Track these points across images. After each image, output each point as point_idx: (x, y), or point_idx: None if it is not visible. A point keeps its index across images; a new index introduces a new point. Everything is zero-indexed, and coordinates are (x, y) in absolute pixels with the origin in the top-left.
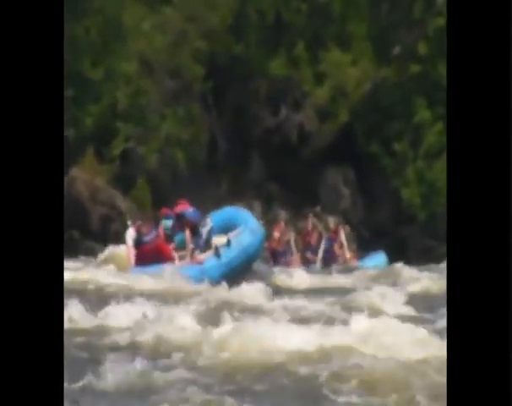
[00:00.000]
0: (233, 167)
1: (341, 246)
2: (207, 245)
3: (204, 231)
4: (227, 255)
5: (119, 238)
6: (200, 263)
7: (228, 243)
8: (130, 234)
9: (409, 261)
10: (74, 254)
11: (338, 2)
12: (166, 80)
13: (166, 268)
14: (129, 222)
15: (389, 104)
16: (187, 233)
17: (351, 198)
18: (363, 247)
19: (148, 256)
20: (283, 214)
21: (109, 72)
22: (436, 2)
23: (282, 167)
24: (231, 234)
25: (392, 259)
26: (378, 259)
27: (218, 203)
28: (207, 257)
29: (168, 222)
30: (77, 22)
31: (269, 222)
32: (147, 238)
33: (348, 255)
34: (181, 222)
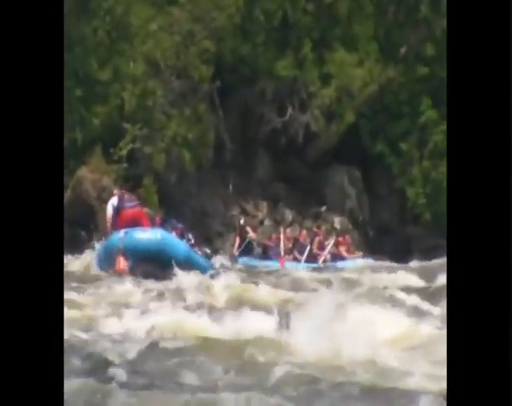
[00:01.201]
0: (240, 167)
1: (320, 247)
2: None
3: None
4: None
5: None
6: None
7: None
8: (112, 201)
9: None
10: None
11: (344, 2)
12: (173, 81)
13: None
14: (115, 191)
15: (394, 104)
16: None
17: (357, 198)
18: (369, 246)
19: (127, 220)
20: (288, 213)
21: (116, 73)
22: (442, 2)
23: (288, 167)
24: None
25: (397, 258)
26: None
27: (226, 202)
28: None
29: None
30: (85, 22)
31: (276, 223)
32: (128, 204)
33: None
34: (166, 227)
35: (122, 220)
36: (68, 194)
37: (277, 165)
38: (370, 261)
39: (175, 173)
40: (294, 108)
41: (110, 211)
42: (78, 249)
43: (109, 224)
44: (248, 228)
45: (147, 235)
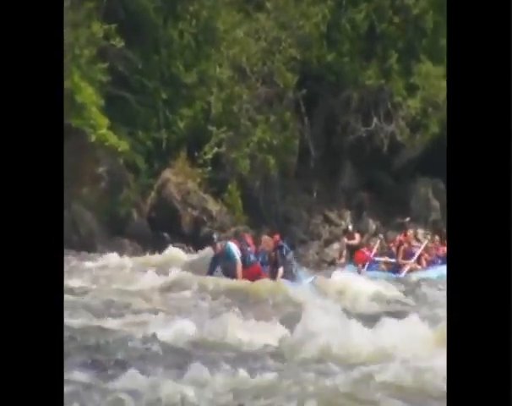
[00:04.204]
0: (324, 175)
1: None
2: None
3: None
4: None
5: (209, 241)
6: None
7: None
8: (236, 249)
9: None
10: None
11: (430, 15)
12: (259, 87)
13: None
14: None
15: None
16: (281, 270)
17: (442, 210)
18: None
19: (247, 277)
20: (372, 223)
21: (202, 76)
22: None
23: (373, 176)
24: None
25: None
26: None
27: (310, 210)
28: None
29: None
30: (172, 25)
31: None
32: (252, 260)
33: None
34: (276, 254)
35: (248, 275)
36: (152, 196)
37: (361, 174)
38: None
39: (259, 179)
40: (379, 118)
41: (238, 258)
42: (162, 250)
43: (239, 272)
44: (356, 235)
45: None
